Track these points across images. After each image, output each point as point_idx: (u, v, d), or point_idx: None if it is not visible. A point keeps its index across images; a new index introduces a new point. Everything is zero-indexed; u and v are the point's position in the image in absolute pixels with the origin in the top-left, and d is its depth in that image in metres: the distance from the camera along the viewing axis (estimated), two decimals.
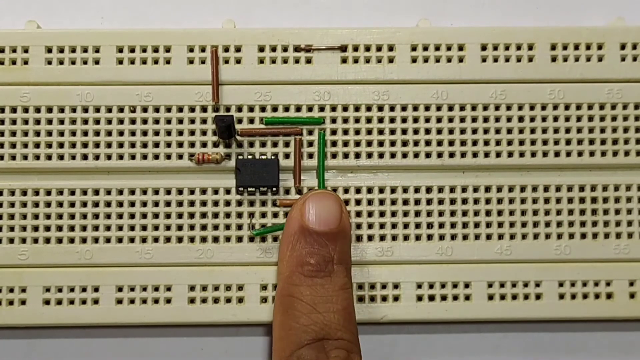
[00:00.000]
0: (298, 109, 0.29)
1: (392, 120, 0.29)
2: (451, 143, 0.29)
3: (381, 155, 0.28)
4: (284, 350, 0.24)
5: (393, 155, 0.28)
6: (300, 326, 0.24)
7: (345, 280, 0.25)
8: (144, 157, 0.28)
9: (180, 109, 0.28)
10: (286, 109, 0.29)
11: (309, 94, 0.29)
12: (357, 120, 0.29)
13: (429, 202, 0.28)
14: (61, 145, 0.28)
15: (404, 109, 0.29)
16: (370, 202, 0.28)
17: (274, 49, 0.29)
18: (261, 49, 0.29)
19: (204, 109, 0.28)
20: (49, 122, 0.28)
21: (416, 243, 0.28)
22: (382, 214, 0.28)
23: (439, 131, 0.29)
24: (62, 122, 0.28)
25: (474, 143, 0.29)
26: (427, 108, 0.29)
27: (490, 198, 0.28)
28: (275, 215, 0.28)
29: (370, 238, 0.28)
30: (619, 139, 0.29)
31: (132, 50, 0.29)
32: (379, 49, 0.29)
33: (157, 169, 0.28)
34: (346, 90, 0.29)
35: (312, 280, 0.25)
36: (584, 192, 0.29)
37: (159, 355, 0.29)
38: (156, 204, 0.28)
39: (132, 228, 0.28)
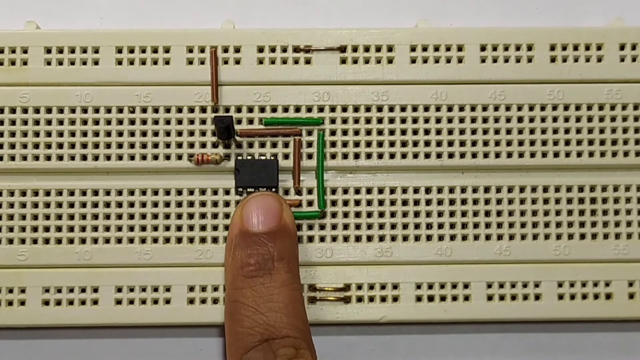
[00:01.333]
0: (297, 109, 0.29)
1: (392, 120, 0.29)
2: (450, 144, 0.29)
3: (380, 156, 0.28)
4: (233, 356, 0.24)
5: (392, 156, 0.28)
6: (245, 330, 0.24)
7: (288, 276, 0.25)
8: (143, 157, 0.28)
9: (180, 110, 0.28)
10: (285, 110, 0.29)
11: (308, 94, 0.29)
12: (356, 121, 0.29)
13: (428, 202, 0.28)
14: (60, 145, 0.28)
15: (403, 109, 0.29)
16: (369, 203, 0.28)
17: (273, 50, 0.29)
18: (260, 49, 0.29)
19: (203, 110, 0.28)
20: (48, 122, 0.28)
21: (415, 243, 0.28)
22: (381, 214, 0.28)
23: (438, 132, 0.29)
24: (61, 122, 0.28)
25: (473, 144, 0.29)
26: (426, 109, 0.29)
27: (490, 198, 0.28)
28: None
29: (369, 238, 0.28)
30: (618, 140, 0.29)
31: (132, 51, 0.29)
32: (378, 49, 0.29)
33: (156, 170, 0.28)
34: (345, 90, 0.29)
35: (253, 281, 0.25)
36: (583, 192, 0.29)
37: (158, 356, 0.29)
38: (155, 204, 0.28)
39: (131, 229, 0.28)
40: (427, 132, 0.29)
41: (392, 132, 0.29)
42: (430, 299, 0.28)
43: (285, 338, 0.24)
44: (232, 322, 0.25)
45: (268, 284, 0.25)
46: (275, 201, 0.26)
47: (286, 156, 0.28)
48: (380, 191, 0.28)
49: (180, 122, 0.28)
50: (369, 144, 0.28)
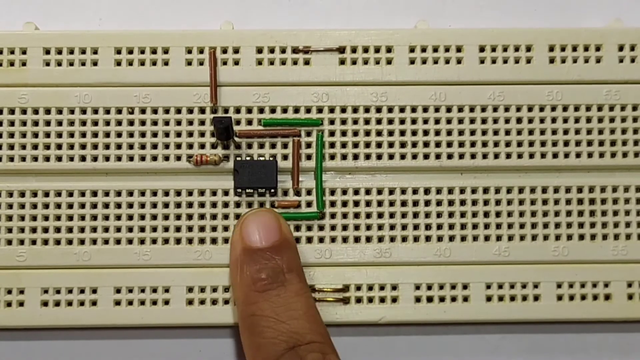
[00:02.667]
0: (296, 110, 0.29)
1: (391, 121, 0.29)
2: (449, 144, 0.29)
3: (379, 157, 0.28)
4: None
5: (391, 157, 0.28)
6: (268, 340, 0.24)
7: (300, 286, 0.25)
8: (142, 158, 0.28)
9: (179, 111, 0.28)
10: (284, 111, 0.29)
11: (307, 95, 0.29)
12: (355, 122, 0.29)
13: (427, 203, 0.28)
14: (59, 146, 0.28)
15: (402, 110, 0.29)
16: (368, 204, 0.28)
17: (272, 51, 0.29)
18: (259, 50, 0.29)
19: (202, 111, 0.28)
20: (47, 123, 0.28)
21: (414, 244, 0.28)
22: (380, 215, 0.28)
23: (437, 133, 0.29)
24: (60, 123, 0.28)
25: (472, 144, 0.29)
26: (425, 109, 0.29)
27: (489, 199, 0.28)
28: None
29: (368, 239, 0.28)
30: (617, 140, 0.29)
31: (131, 52, 0.29)
32: (377, 50, 0.29)
33: (155, 171, 0.28)
34: (344, 91, 0.29)
35: (268, 294, 0.25)
36: (582, 193, 0.29)
37: (157, 357, 0.29)
38: (154, 205, 0.28)
39: (130, 229, 0.28)
40: (426, 133, 0.29)
41: (391, 133, 0.29)
42: (430, 299, 0.28)
43: (310, 344, 0.24)
44: (252, 335, 0.24)
45: (283, 294, 0.25)
46: (272, 216, 0.26)
47: (285, 157, 0.28)
48: (379, 192, 0.28)
49: (179, 123, 0.28)
50: (367, 145, 0.28)
